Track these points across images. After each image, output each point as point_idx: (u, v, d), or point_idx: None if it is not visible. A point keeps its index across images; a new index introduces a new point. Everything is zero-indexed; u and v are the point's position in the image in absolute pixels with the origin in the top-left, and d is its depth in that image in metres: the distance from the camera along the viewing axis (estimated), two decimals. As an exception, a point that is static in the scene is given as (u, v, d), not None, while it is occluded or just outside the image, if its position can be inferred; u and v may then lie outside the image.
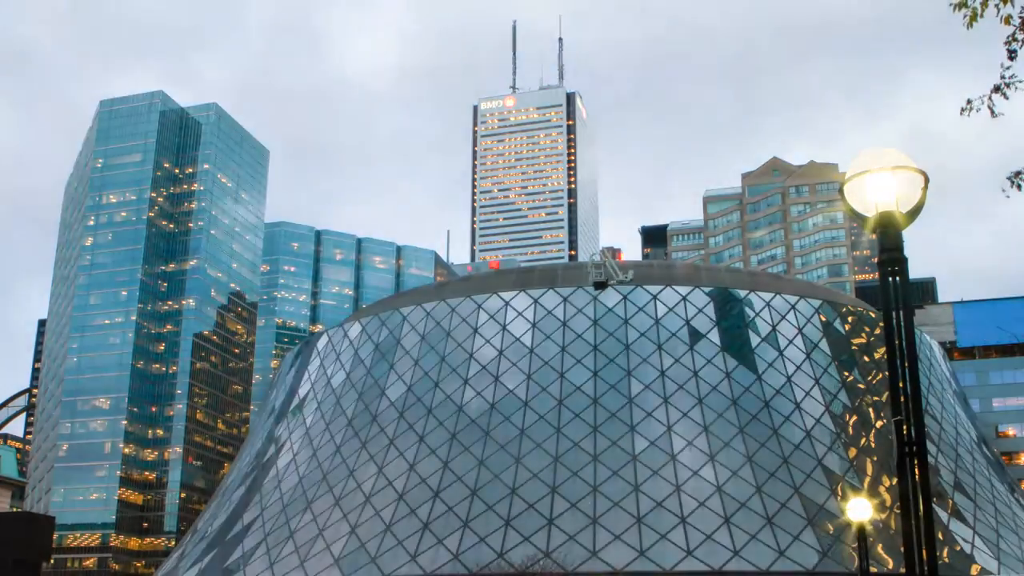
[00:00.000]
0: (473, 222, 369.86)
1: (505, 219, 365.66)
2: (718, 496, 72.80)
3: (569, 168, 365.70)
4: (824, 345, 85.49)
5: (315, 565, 74.51)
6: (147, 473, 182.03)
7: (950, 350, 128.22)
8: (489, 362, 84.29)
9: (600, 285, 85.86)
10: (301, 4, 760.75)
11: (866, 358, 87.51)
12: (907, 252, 10.64)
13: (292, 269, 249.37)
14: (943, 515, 74.34)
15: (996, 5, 11.11)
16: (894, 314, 10.51)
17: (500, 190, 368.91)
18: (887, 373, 10.83)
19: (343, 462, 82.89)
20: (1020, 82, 11.43)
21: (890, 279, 10.52)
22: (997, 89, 11.52)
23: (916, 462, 10.12)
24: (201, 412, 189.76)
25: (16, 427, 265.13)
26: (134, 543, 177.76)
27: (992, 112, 11.57)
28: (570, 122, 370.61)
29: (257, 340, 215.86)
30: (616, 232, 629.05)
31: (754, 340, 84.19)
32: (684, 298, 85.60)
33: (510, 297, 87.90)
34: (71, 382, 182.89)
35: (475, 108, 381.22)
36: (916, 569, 9.88)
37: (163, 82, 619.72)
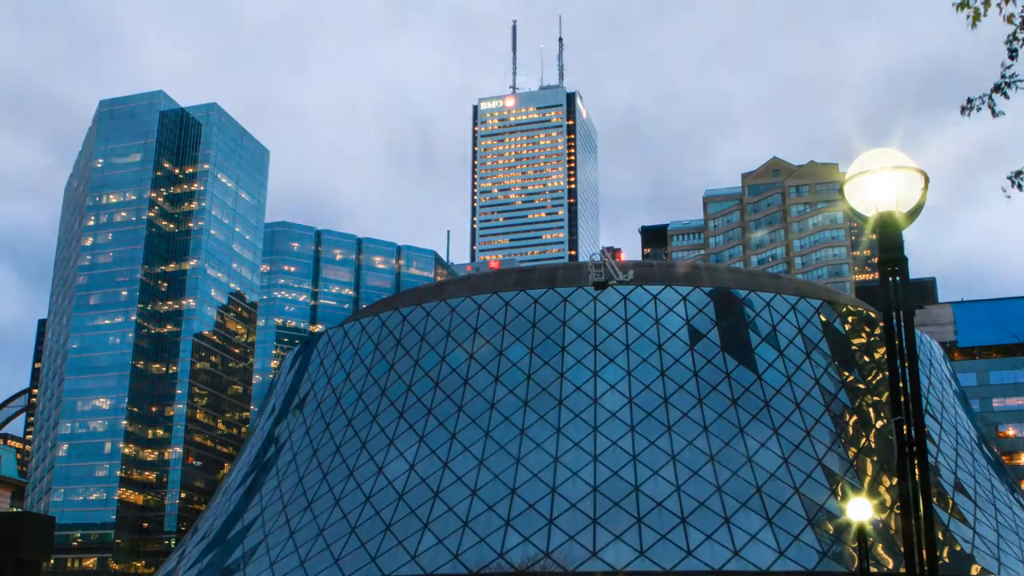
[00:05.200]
0: (473, 222, 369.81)
1: (505, 219, 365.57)
2: (718, 496, 72.80)
3: (569, 168, 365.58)
4: (824, 345, 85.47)
5: (315, 565, 74.51)
6: (147, 473, 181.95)
7: (950, 350, 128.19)
8: (489, 362, 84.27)
9: (600, 285, 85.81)
10: (301, 2, 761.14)
11: (866, 358, 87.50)
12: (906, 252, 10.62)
13: (292, 269, 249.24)
14: (943, 515, 74.32)
15: (998, 5, 11.09)
16: (894, 314, 10.50)
17: (500, 190, 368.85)
18: (887, 373, 10.83)
19: (343, 462, 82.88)
20: (1021, 81, 11.40)
21: (890, 279, 10.50)
22: (998, 88, 11.49)
23: (916, 462, 10.11)
24: (201, 412, 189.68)
25: (16, 427, 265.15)
26: (134, 543, 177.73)
27: (993, 111, 11.54)
28: (570, 122, 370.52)
29: (257, 340, 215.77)
30: (616, 232, 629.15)
31: (754, 340, 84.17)
32: (684, 298, 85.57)
33: (510, 297, 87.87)
34: (71, 382, 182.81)
35: (475, 108, 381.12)
36: (916, 569, 9.86)
37: (163, 82, 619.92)
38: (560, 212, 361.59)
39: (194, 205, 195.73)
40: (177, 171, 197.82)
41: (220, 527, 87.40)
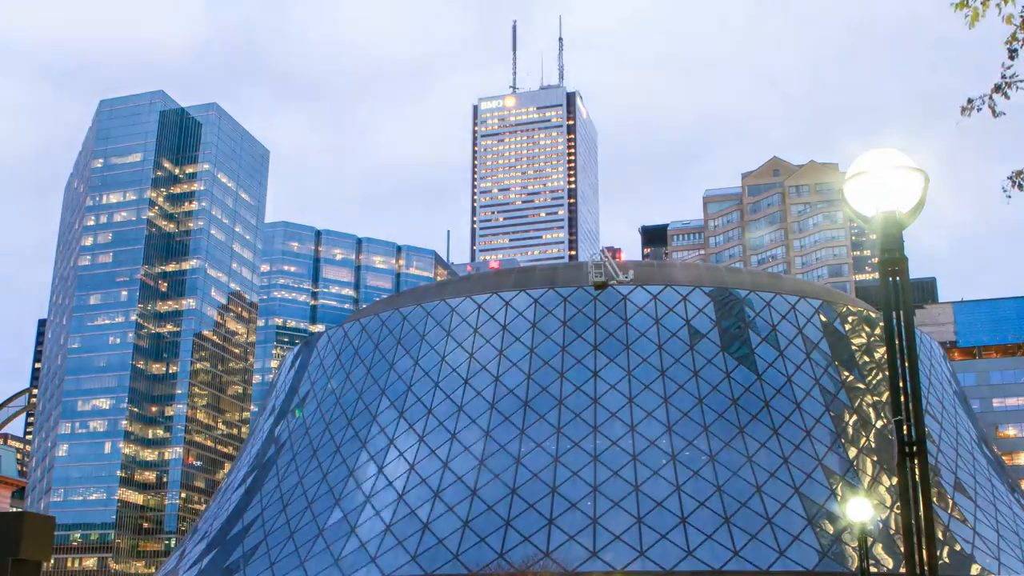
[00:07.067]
0: (473, 222, 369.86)
1: (505, 219, 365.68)
2: (718, 496, 72.80)
3: (569, 168, 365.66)
4: (824, 345, 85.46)
5: (315, 565, 74.51)
6: (147, 473, 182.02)
7: (950, 350, 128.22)
8: (489, 362, 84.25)
9: (600, 285, 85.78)
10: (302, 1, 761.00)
11: (866, 358, 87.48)
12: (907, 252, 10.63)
13: (292, 269, 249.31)
14: (943, 515, 74.32)
15: (997, 5, 11.08)
16: (894, 314, 10.50)
17: (500, 190, 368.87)
18: (887, 373, 10.85)
19: (343, 462, 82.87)
20: (1021, 81, 11.39)
21: (890, 279, 10.51)
22: (998, 88, 11.48)
23: (916, 462, 10.11)
24: (201, 412, 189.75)
25: (16, 427, 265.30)
26: (134, 543, 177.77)
27: (993, 112, 11.54)
28: (570, 122, 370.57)
29: (257, 340, 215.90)
30: (616, 232, 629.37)
31: (754, 340, 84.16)
32: (684, 298, 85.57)
33: (510, 297, 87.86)
34: (71, 382, 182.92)
35: (475, 108, 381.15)
36: (916, 569, 9.86)
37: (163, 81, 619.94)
38: (560, 212, 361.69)
39: (194, 205, 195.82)
40: (177, 171, 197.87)
41: (220, 527, 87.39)
